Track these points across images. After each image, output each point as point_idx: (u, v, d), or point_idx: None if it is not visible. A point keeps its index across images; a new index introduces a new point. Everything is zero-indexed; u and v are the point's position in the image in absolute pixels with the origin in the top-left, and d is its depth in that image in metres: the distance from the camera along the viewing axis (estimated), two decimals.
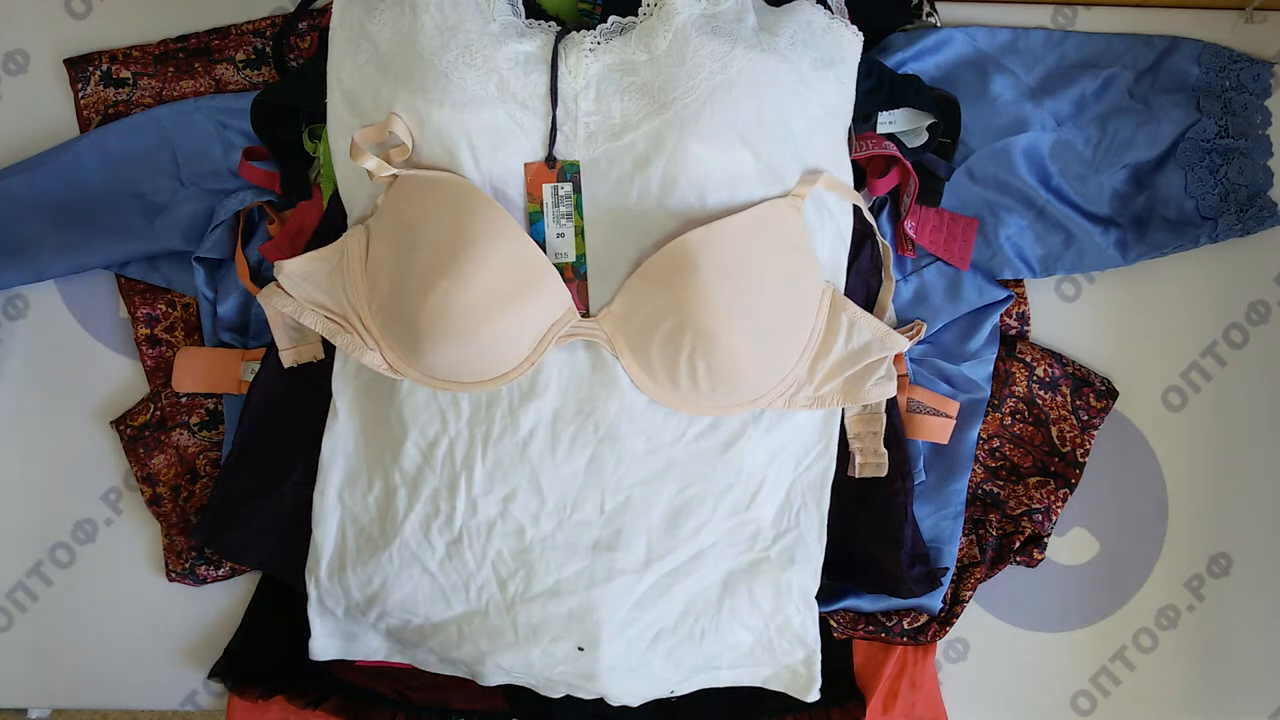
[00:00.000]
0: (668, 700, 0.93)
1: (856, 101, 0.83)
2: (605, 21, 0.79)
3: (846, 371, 0.84)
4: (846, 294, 0.85)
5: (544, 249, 0.80)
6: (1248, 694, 1.00)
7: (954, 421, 0.96)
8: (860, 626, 0.97)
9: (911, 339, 0.91)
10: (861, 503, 0.90)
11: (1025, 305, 1.01)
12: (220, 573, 1.00)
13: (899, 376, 0.91)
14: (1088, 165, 0.98)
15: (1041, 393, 1.00)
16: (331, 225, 0.88)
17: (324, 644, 0.91)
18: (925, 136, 0.91)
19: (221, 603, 1.00)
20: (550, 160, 0.79)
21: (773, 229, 0.78)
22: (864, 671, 0.97)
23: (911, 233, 0.94)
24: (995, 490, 1.00)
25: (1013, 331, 1.01)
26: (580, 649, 0.87)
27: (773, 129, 0.78)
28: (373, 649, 0.92)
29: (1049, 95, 0.98)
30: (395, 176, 0.79)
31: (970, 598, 0.97)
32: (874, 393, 0.85)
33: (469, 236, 0.76)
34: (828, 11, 0.81)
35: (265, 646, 0.96)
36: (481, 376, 0.81)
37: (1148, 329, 1.02)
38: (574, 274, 0.81)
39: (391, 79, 0.78)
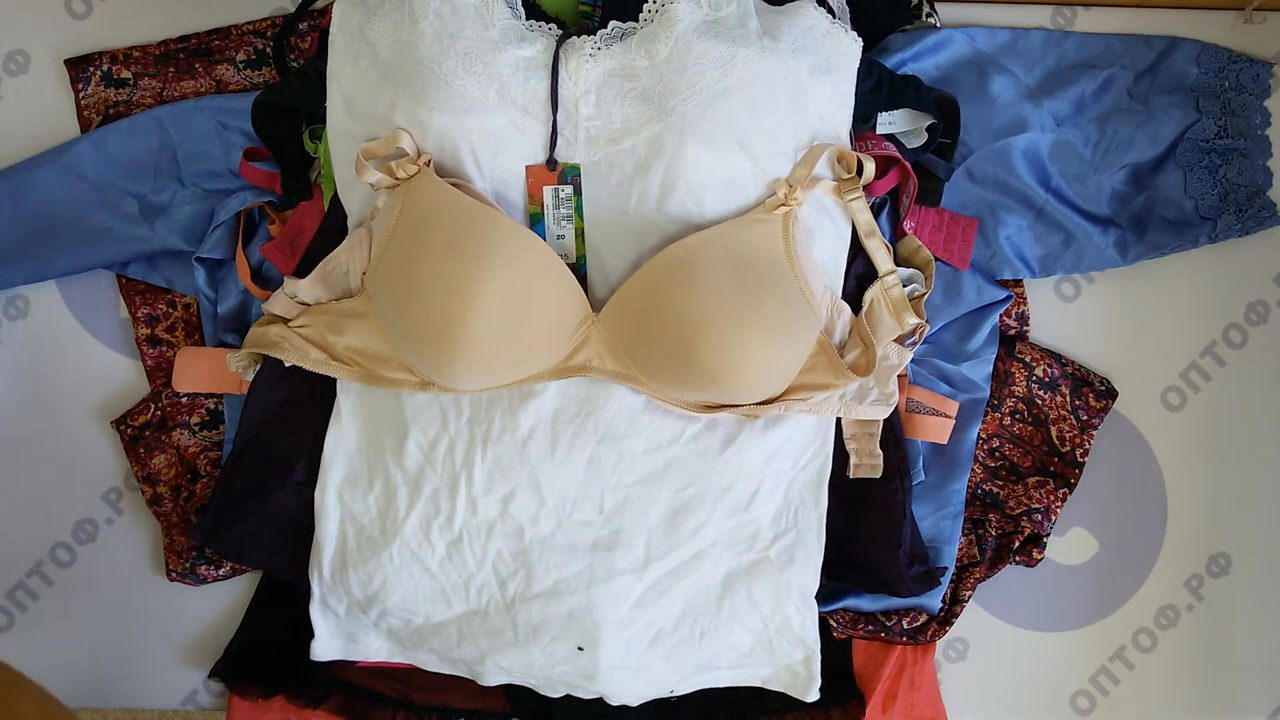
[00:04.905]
0: (667, 700, 0.93)
1: (856, 102, 0.83)
2: (605, 24, 0.79)
3: None
4: (844, 297, 0.85)
5: None
6: (1248, 694, 1.01)
7: (953, 421, 0.96)
8: (860, 626, 0.97)
9: (912, 345, 0.91)
10: (860, 502, 0.90)
11: (1025, 305, 1.01)
12: (220, 573, 1.00)
13: (898, 377, 0.91)
14: (1087, 165, 0.98)
15: (1041, 393, 1.00)
16: (332, 226, 0.88)
17: (326, 645, 0.91)
18: (925, 137, 0.91)
19: (221, 603, 1.00)
20: (551, 163, 0.79)
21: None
22: (863, 671, 0.97)
23: (911, 233, 0.94)
24: (995, 490, 1.00)
25: (1012, 331, 1.01)
26: (580, 649, 0.87)
27: (771, 134, 0.78)
28: (374, 650, 0.92)
29: (1048, 96, 0.98)
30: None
31: (969, 597, 0.97)
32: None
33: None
34: (829, 15, 0.81)
35: (265, 646, 0.96)
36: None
37: (1147, 329, 1.02)
38: (575, 274, 0.81)
39: (392, 85, 0.78)
